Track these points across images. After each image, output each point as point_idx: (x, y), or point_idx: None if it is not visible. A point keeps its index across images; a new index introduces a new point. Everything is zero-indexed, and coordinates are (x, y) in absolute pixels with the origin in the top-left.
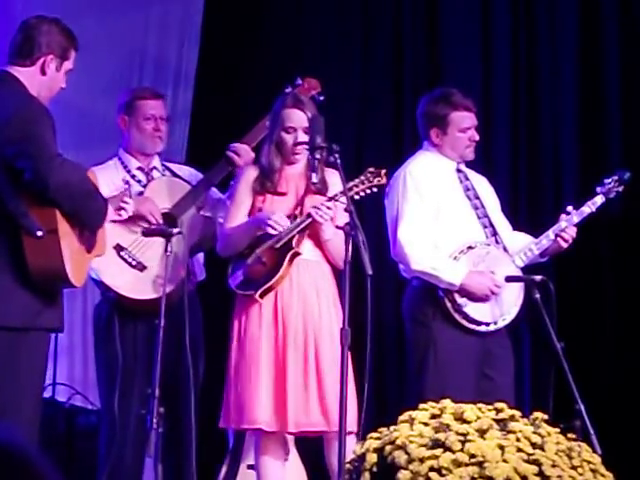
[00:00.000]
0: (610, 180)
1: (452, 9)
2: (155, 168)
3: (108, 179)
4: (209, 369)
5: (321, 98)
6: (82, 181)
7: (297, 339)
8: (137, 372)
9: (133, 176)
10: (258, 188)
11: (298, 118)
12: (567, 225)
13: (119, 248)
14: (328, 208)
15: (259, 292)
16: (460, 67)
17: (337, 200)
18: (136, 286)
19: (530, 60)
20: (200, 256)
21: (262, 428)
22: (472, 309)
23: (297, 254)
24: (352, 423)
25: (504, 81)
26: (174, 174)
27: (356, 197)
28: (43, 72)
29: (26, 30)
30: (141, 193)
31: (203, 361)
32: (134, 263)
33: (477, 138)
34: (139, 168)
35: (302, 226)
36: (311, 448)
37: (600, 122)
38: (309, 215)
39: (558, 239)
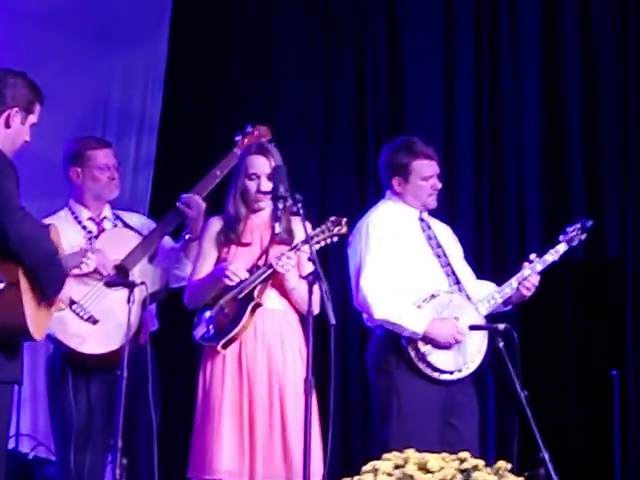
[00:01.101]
0: (573, 228)
1: (415, 55)
2: (106, 218)
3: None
4: (175, 419)
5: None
6: (42, 239)
7: (261, 389)
8: (92, 426)
9: (84, 227)
10: (222, 239)
11: (261, 165)
12: (530, 273)
13: (71, 302)
14: (289, 258)
15: (221, 343)
16: (423, 114)
17: (299, 249)
18: (88, 341)
19: (493, 106)
20: (152, 307)
21: (223, 479)
22: (435, 357)
23: (258, 305)
24: (317, 472)
25: (467, 128)
26: (125, 223)
27: (317, 246)
28: (7, 125)
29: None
30: (90, 244)
31: (159, 411)
32: (86, 317)
33: (439, 186)
34: (90, 218)
35: (264, 276)
36: None
37: (563, 168)
38: (270, 265)
39: (521, 287)
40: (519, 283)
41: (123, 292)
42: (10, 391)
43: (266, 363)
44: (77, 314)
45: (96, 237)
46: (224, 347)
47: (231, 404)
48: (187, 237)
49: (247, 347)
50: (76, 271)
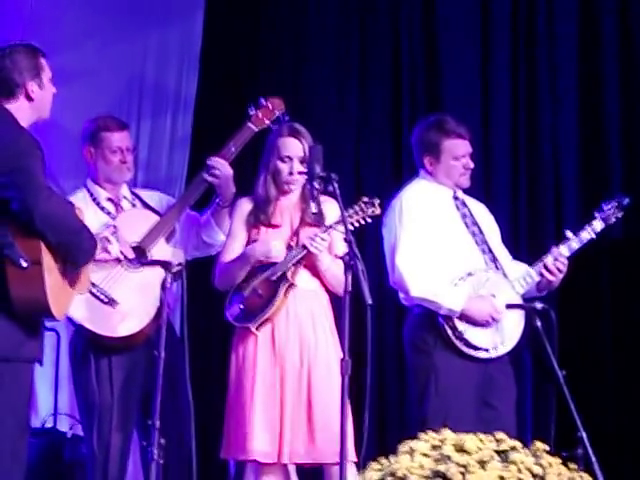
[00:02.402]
0: (609, 206)
1: (451, 35)
2: (124, 198)
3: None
4: (210, 399)
5: (286, 118)
6: (69, 216)
7: (294, 370)
8: (115, 405)
9: (102, 208)
10: (252, 220)
11: (294, 147)
12: (567, 251)
13: (90, 285)
14: (322, 239)
15: (255, 324)
16: (459, 92)
17: (333, 229)
18: (108, 323)
19: (530, 85)
20: (172, 287)
21: (257, 460)
22: (473, 335)
23: (292, 286)
24: (350, 453)
25: (504, 107)
26: (143, 202)
27: (350, 227)
28: (30, 99)
29: None
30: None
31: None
32: (106, 300)
33: (471, 165)
34: (108, 199)
35: (297, 258)
36: (313, 476)
37: (601, 147)
38: (304, 246)
39: (545, 273)
40: (545, 267)
41: (143, 274)
42: (29, 370)
43: (298, 343)
44: (97, 297)
45: (113, 218)
46: (257, 328)
47: (264, 385)
48: (219, 203)
49: (279, 328)
50: (104, 255)
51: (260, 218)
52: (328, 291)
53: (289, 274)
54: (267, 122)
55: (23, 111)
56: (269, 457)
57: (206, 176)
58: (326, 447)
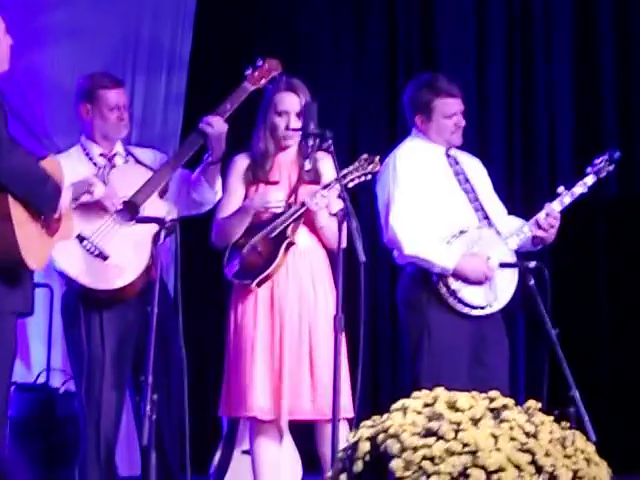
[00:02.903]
0: (600, 160)
1: None
2: (117, 154)
3: (70, 168)
4: (204, 356)
5: (283, 78)
6: (32, 167)
7: (293, 327)
8: (106, 360)
9: (95, 163)
10: (250, 177)
11: (290, 102)
12: (559, 206)
13: (80, 238)
14: (322, 196)
15: (255, 282)
16: (455, 50)
17: (332, 187)
18: (99, 276)
19: (525, 41)
20: (166, 243)
21: (257, 416)
22: (467, 293)
23: (292, 244)
24: (345, 410)
25: (498, 63)
26: (137, 159)
27: (350, 184)
28: None
29: None
30: (102, 181)
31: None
32: (96, 253)
33: (463, 123)
34: (101, 155)
35: (297, 215)
36: (305, 433)
37: (596, 101)
38: (303, 204)
39: (538, 231)
40: (538, 225)
41: (134, 228)
42: (13, 322)
43: (297, 300)
44: (87, 250)
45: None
46: (258, 285)
47: (264, 342)
48: (208, 160)
49: (279, 285)
50: (87, 197)
51: (258, 174)
52: (326, 248)
53: (289, 231)
54: (264, 82)
55: None
56: (269, 414)
57: (201, 126)
58: (326, 403)
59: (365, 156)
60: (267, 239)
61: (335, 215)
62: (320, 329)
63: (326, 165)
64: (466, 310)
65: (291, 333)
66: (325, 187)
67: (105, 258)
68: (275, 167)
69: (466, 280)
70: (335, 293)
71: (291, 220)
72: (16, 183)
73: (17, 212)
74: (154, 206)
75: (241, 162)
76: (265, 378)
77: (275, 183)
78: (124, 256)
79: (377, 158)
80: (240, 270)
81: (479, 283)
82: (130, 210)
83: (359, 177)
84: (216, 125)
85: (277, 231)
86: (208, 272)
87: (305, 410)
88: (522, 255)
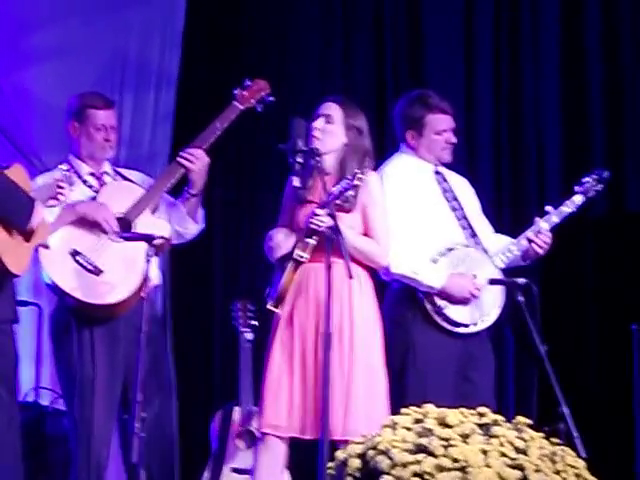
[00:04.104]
0: (589, 179)
1: (434, 9)
2: (106, 173)
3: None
4: (191, 374)
5: (270, 99)
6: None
7: (311, 345)
8: (97, 377)
9: (85, 181)
10: (294, 197)
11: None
12: (547, 225)
13: (75, 253)
14: (317, 214)
15: (270, 302)
16: (443, 66)
17: (326, 205)
18: (93, 291)
19: (512, 58)
20: (155, 260)
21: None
22: (452, 311)
23: (297, 261)
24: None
25: (486, 80)
26: (125, 179)
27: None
28: None
29: None
30: (94, 198)
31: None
32: (90, 268)
33: (454, 140)
34: (91, 174)
35: (303, 233)
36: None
37: (584, 120)
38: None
39: (533, 245)
40: (529, 240)
41: (127, 244)
42: (8, 329)
43: (316, 319)
44: (81, 265)
45: (96, 192)
46: (275, 306)
47: (283, 358)
48: (189, 192)
49: (299, 306)
50: (53, 202)
51: (298, 194)
52: (363, 265)
53: (296, 250)
54: (252, 102)
55: None
56: (284, 431)
57: (180, 161)
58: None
59: (356, 171)
60: (287, 258)
61: (323, 232)
62: (335, 346)
63: (366, 194)
64: (452, 328)
65: (312, 352)
66: (319, 205)
67: (99, 273)
68: (315, 187)
69: (452, 299)
70: (373, 310)
71: (299, 238)
72: None
73: None
74: (146, 222)
75: (292, 181)
76: (283, 396)
77: (311, 202)
78: (118, 272)
79: (365, 172)
80: (271, 290)
81: (465, 302)
82: (123, 226)
83: (343, 193)
84: (197, 158)
85: (292, 250)
86: (194, 291)
87: (314, 429)
88: (511, 272)
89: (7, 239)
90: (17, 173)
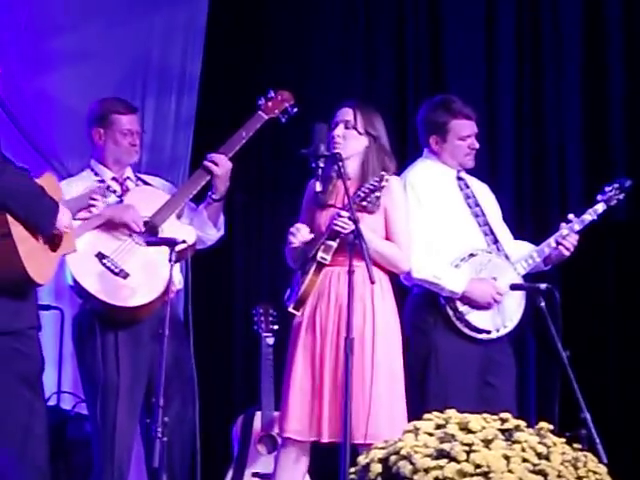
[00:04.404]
0: (611, 188)
1: (456, 16)
2: (128, 178)
3: (83, 187)
4: (214, 379)
5: (294, 110)
6: (26, 185)
7: (333, 349)
8: (121, 384)
9: (108, 187)
10: (314, 201)
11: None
12: (568, 233)
13: (101, 256)
14: (341, 216)
15: (291, 305)
16: (465, 72)
17: (349, 207)
18: (117, 294)
19: (535, 66)
20: (177, 265)
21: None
22: (474, 317)
23: (320, 264)
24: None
25: (508, 86)
26: (146, 184)
27: (364, 204)
28: None
29: None
30: (120, 202)
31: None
32: (117, 270)
33: (477, 146)
34: (113, 179)
35: (325, 235)
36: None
37: (605, 129)
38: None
39: (559, 247)
40: (557, 243)
41: (151, 248)
42: (34, 336)
43: (337, 322)
44: (108, 268)
45: (119, 196)
46: (296, 309)
47: (304, 364)
48: (212, 197)
49: (320, 309)
50: (83, 214)
51: (319, 198)
52: (385, 270)
53: (319, 252)
54: (277, 112)
55: None
56: (304, 435)
57: (206, 164)
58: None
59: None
60: (308, 261)
61: (346, 237)
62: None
63: (389, 198)
64: (473, 334)
65: (333, 356)
66: (342, 207)
67: (126, 276)
68: (334, 191)
69: (474, 304)
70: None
71: (320, 241)
72: (12, 201)
73: (17, 229)
74: (172, 228)
75: (311, 187)
76: (304, 401)
77: (332, 206)
78: (142, 276)
79: (385, 175)
80: (291, 293)
81: (487, 307)
82: (149, 231)
83: (369, 194)
84: (221, 164)
85: (313, 252)
86: (216, 296)
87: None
88: (533, 277)
89: (33, 247)
90: (48, 182)
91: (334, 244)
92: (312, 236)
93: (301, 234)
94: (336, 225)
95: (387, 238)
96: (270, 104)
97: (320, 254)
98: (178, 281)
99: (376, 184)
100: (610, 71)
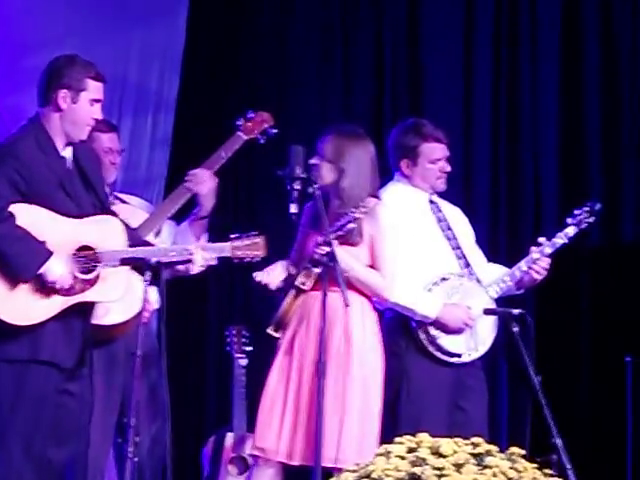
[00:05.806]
0: (581, 211)
1: (433, 37)
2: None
3: None
4: (186, 398)
5: (273, 131)
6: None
7: (309, 372)
8: (95, 402)
9: None
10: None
11: None
12: (539, 256)
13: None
14: (320, 245)
15: (270, 327)
16: (441, 97)
17: (330, 233)
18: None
19: (511, 90)
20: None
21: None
22: (446, 341)
23: (298, 289)
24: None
25: (484, 110)
26: (124, 203)
27: (336, 230)
28: (58, 108)
29: (44, 71)
30: None
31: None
32: None
33: (448, 169)
34: None
35: (304, 263)
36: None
37: (580, 152)
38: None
39: (530, 271)
40: (528, 267)
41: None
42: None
43: (316, 346)
44: None
45: None
46: (275, 331)
47: (279, 384)
48: (198, 214)
49: (300, 334)
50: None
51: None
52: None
53: (299, 277)
54: (256, 133)
55: (50, 119)
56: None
57: (188, 185)
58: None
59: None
60: (291, 284)
61: (319, 259)
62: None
63: (375, 226)
64: (445, 358)
65: (309, 379)
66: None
67: None
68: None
69: (446, 329)
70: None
71: (302, 267)
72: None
73: None
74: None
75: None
76: (276, 421)
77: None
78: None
79: (361, 207)
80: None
81: (458, 332)
82: None
83: (343, 226)
84: (203, 181)
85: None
86: (189, 316)
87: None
88: (506, 300)
89: (7, 294)
90: (106, 226)
91: (316, 270)
92: (284, 275)
93: (274, 274)
94: (316, 253)
95: (372, 266)
96: (249, 125)
97: (300, 279)
98: (155, 300)
99: (350, 216)
100: (586, 90)
